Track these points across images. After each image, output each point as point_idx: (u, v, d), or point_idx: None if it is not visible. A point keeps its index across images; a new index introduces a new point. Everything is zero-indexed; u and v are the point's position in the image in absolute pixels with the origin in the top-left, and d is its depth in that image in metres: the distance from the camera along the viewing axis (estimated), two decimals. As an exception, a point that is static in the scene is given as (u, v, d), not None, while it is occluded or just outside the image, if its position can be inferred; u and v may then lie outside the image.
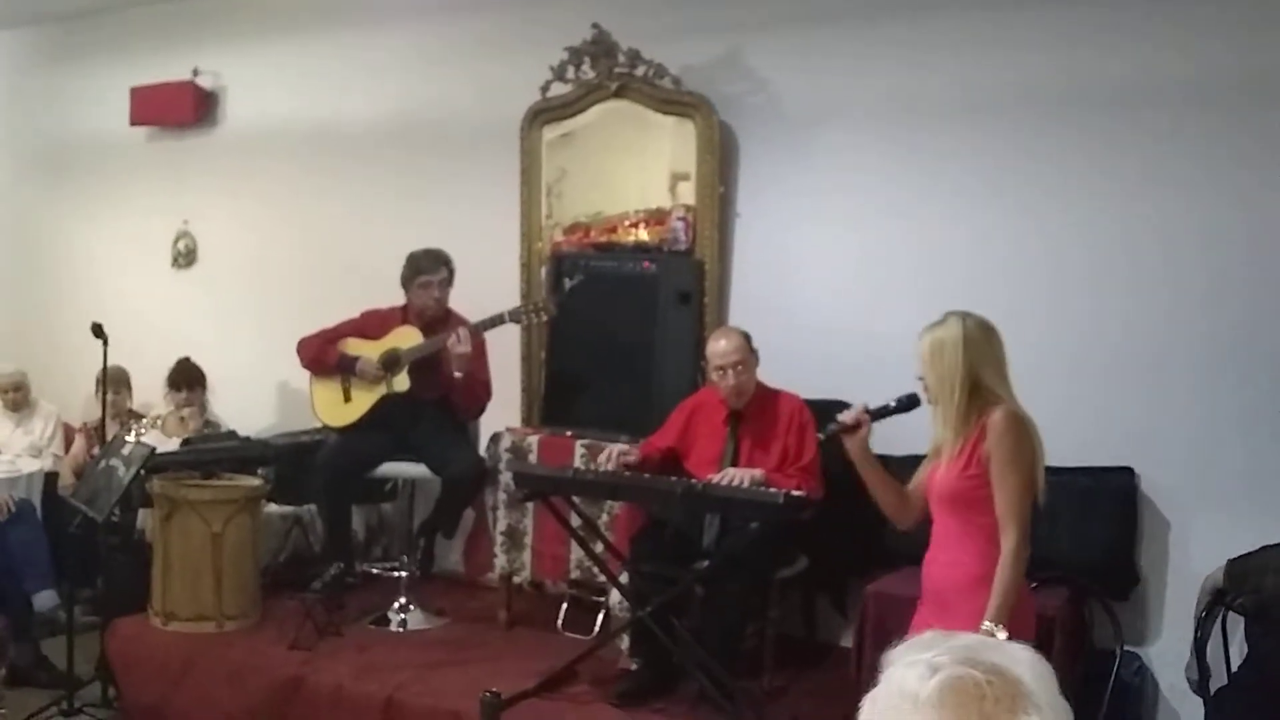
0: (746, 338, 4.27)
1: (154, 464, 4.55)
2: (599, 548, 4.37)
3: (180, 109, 6.78)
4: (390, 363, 4.87)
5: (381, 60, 6.17)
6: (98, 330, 4.93)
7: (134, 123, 6.98)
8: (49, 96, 7.57)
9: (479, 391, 4.95)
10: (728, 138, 5.12)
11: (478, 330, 4.81)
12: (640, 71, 5.15)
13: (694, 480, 4.05)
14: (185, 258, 6.91)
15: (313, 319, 5.26)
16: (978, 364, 3.02)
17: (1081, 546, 4.17)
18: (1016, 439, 2.97)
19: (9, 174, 7.79)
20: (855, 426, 3.22)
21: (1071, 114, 4.47)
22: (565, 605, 4.87)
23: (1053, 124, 4.51)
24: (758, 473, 4.05)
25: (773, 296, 5.01)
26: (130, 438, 4.47)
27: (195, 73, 6.76)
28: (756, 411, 4.29)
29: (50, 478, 5.72)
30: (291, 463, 5.27)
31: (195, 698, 4.43)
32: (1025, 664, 1.00)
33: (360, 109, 6.25)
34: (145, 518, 5.19)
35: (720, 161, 5.05)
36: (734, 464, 4.18)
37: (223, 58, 6.74)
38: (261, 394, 6.41)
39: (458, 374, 4.75)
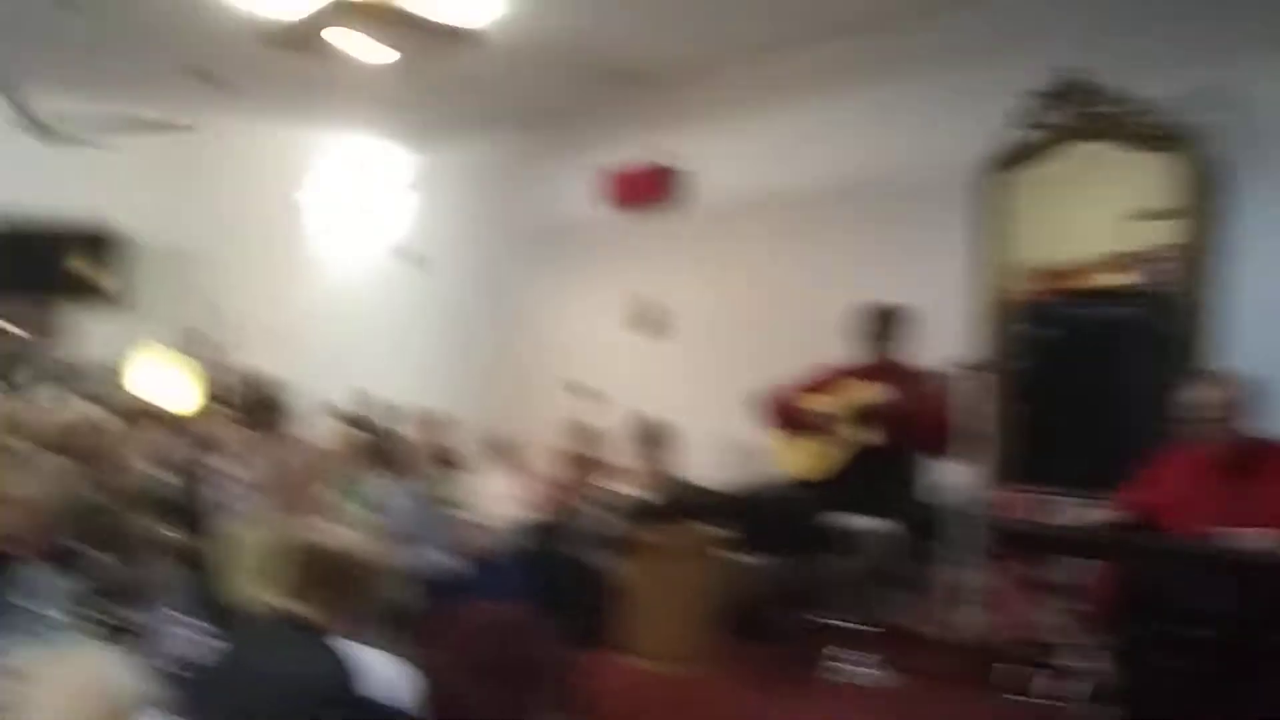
0: (1235, 384, 3.86)
1: (634, 512, 4.82)
2: (1072, 607, 4.06)
3: (650, 188, 7.33)
4: (853, 415, 4.89)
5: (831, 124, 6.37)
6: (574, 388, 5.32)
7: (608, 204, 7.59)
8: (532, 185, 8.47)
9: (941, 441, 4.84)
10: (1213, 171, 4.71)
11: (939, 379, 4.72)
12: (1108, 110, 4.89)
13: (1224, 540, 3.66)
14: (655, 326, 7.36)
15: (774, 376, 5.44)
16: None
17: None
18: None
19: (497, 252, 8.75)
20: None
21: None
22: (1023, 667, 4.56)
23: None
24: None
25: (1270, 340, 4.50)
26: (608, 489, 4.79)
27: (664, 155, 7.27)
28: (1250, 464, 3.83)
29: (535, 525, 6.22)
30: (755, 514, 5.40)
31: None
32: None
33: (814, 172, 6.46)
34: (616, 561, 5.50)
35: (1206, 197, 4.65)
36: (1228, 523, 3.74)
37: (690, 137, 7.21)
38: (720, 449, 6.64)
39: (917, 425, 4.68)
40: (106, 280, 10.80)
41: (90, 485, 4.00)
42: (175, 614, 3.45)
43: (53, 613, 3.18)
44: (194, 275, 11.17)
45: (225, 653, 2.44)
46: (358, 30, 5.77)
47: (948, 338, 5.27)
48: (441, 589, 4.71)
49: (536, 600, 5.39)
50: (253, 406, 5.75)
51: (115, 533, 3.70)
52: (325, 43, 5.90)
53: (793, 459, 5.12)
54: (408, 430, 6.65)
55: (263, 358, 10.13)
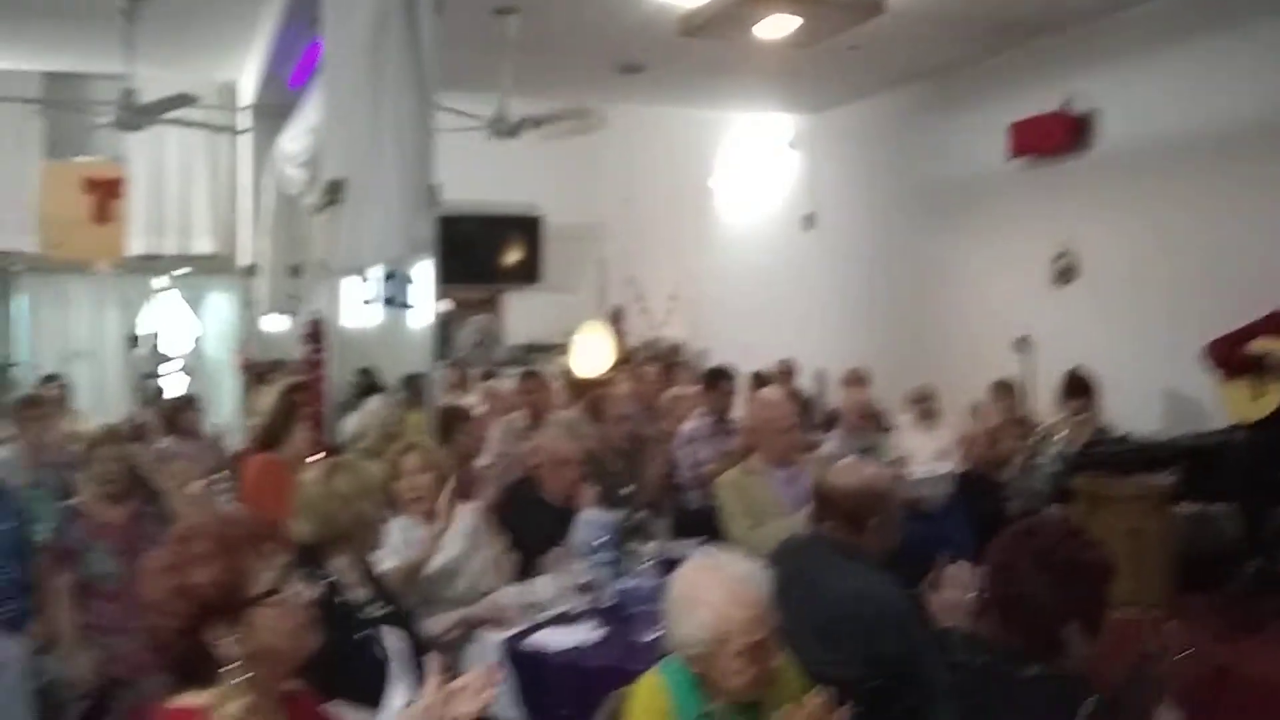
0: None
1: (1075, 463, 4.87)
2: None
3: (1055, 137, 7.18)
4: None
5: (1242, 62, 6.04)
6: (1021, 343, 5.38)
7: (1012, 155, 7.53)
8: (929, 142, 8.51)
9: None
10: None
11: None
12: None
13: None
14: (1064, 275, 7.26)
15: (1200, 324, 5.30)
16: None
17: None
18: None
19: (895, 209, 8.88)
20: None
21: None
22: None
23: None
24: None
25: None
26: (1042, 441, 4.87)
27: (1068, 101, 7.11)
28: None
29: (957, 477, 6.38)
30: (1199, 461, 5.27)
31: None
32: None
33: (1227, 113, 6.16)
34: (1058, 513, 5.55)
35: None
36: None
37: (1096, 82, 7.02)
38: (1146, 398, 6.48)
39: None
40: (536, 264, 11.98)
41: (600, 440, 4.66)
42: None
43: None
44: (612, 254, 12.16)
45: (780, 567, 2.82)
46: (770, 10, 6.12)
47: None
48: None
49: (970, 552, 5.60)
50: (710, 374, 6.24)
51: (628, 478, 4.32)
52: (738, 25, 6.29)
53: (1240, 404, 4.96)
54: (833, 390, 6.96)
55: (683, 328, 10.89)
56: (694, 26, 6.44)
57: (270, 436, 5.03)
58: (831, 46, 6.97)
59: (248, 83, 8.47)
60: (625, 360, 10.62)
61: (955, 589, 3.16)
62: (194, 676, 1.92)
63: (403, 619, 3.27)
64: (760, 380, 7.72)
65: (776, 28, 6.24)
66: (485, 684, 2.01)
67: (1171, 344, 6.14)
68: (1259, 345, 4.92)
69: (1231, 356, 4.98)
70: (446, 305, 10.09)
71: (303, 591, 1.97)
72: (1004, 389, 6.66)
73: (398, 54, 4.61)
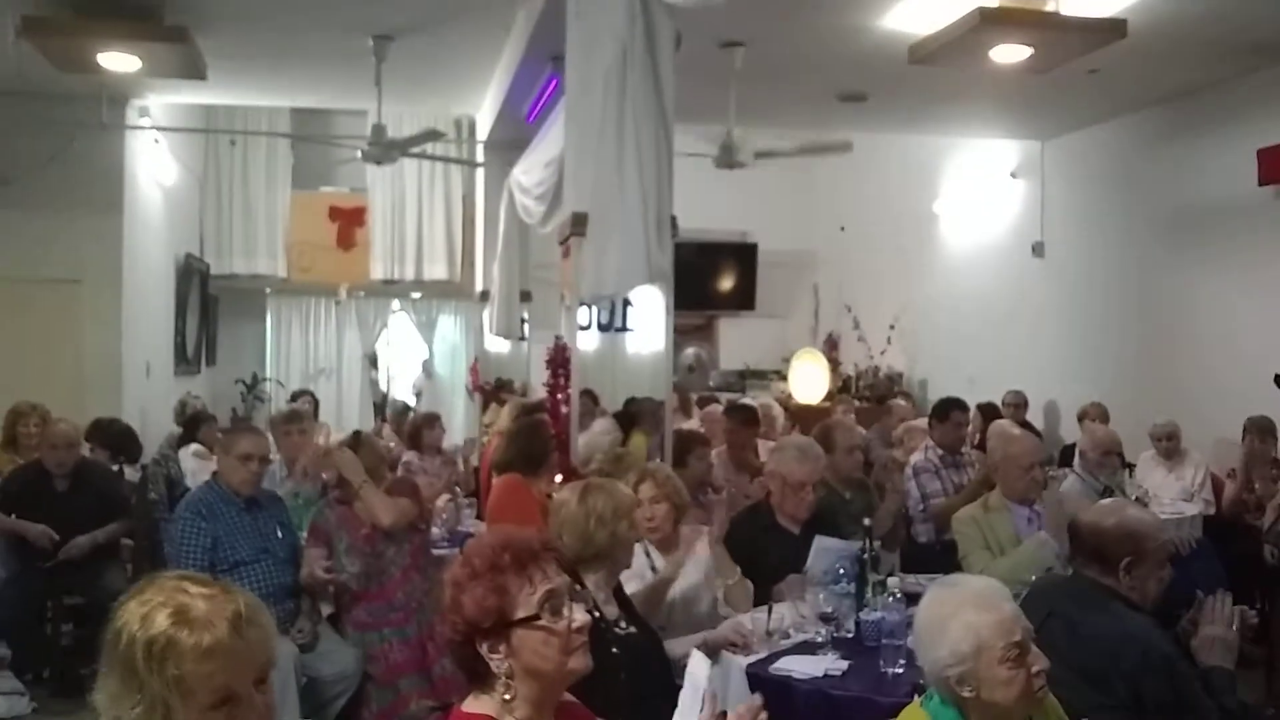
0: None
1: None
2: None
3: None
4: None
5: None
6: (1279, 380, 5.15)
7: (1262, 182, 7.12)
8: (1168, 170, 8.13)
9: None
10: None
11: None
12: None
13: None
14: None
15: None
16: None
17: None
18: None
19: (1133, 243, 8.50)
20: None
21: None
22: None
23: None
24: None
25: None
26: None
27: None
28: None
29: (1208, 520, 6.07)
30: None
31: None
32: None
33: None
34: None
35: None
36: None
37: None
38: None
39: None
40: (751, 289, 12.06)
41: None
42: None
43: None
44: (826, 281, 12.13)
45: (1034, 609, 2.77)
46: (1005, 37, 5.99)
47: None
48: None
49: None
50: (941, 405, 6.16)
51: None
52: (971, 53, 6.19)
53: None
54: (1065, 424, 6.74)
55: (903, 357, 10.74)
56: (925, 55, 6.37)
57: (512, 457, 5.26)
58: (1068, 71, 6.77)
59: (485, 116, 8.87)
60: (843, 388, 10.56)
61: (1216, 625, 3.04)
62: (477, 680, 2.01)
63: (652, 637, 3.37)
64: (990, 412, 7.53)
65: (1012, 54, 6.10)
66: (753, 715, 2.01)
67: None
68: None
69: None
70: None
71: (575, 617, 1.99)
72: (1259, 427, 6.27)
73: (639, 88, 4.75)
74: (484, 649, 1.96)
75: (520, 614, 1.95)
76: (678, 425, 7.32)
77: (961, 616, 2.33)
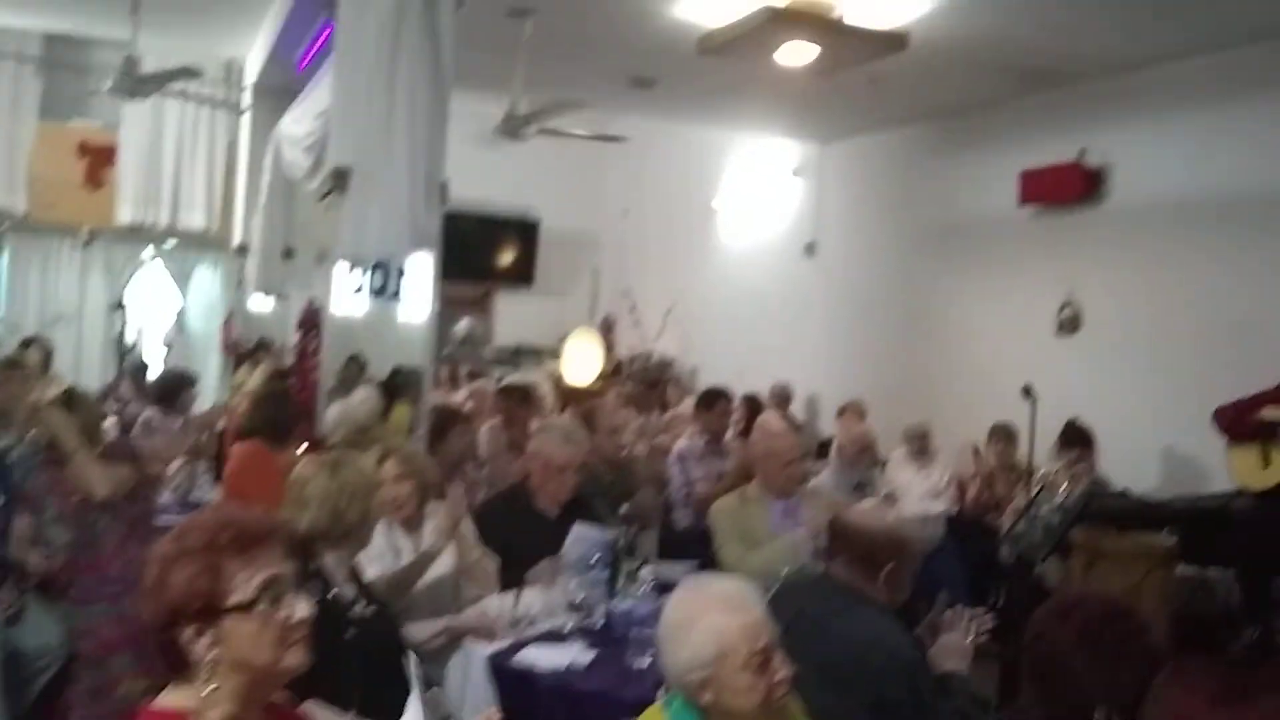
0: None
1: (1075, 516, 4.80)
2: None
3: (1067, 187, 7.15)
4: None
5: (1252, 129, 6.07)
6: (1027, 391, 5.37)
7: (1021, 202, 7.48)
8: (938, 182, 8.47)
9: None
10: None
11: None
12: None
13: None
14: (1068, 326, 7.21)
15: (1199, 384, 5.29)
16: None
17: None
18: None
19: (896, 245, 8.83)
20: None
21: None
22: None
23: None
24: None
25: None
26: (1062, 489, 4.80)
27: (1082, 153, 7.08)
28: None
29: (950, 520, 6.32)
30: (1199, 523, 5.21)
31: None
32: None
33: (1236, 177, 6.19)
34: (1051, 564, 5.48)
35: None
36: None
37: (1111, 136, 6.99)
38: (1143, 455, 6.44)
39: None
40: (530, 266, 11.90)
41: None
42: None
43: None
44: (607, 264, 12.09)
45: (785, 605, 2.71)
46: (792, 37, 6.04)
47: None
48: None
49: (961, 595, 5.52)
50: (707, 394, 6.14)
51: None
52: (759, 48, 6.21)
53: (1247, 470, 4.92)
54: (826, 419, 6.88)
55: (675, 344, 10.80)
56: (713, 46, 6.35)
57: (256, 423, 4.91)
58: (849, 77, 6.91)
59: (253, 60, 8.34)
60: (615, 371, 10.53)
61: (955, 633, 3.10)
62: (175, 671, 1.80)
63: (390, 622, 3.17)
64: (754, 404, 7.63)
65: (797, 54, 6.16)
66: None
67: (1170, 403, 6.14)
68: (1270, 413, 4.88)
69: (1240, 422, 4.94)
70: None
71: (297, 609, 1.80)
72: (1003, 433, 6.60)
73: (415, 46, 4.53)
74: (187, 634, 1.74)
75: (234, 600, 1.74)
76: (447, 398, 7.09)
77: (707, 619, 2.24)
